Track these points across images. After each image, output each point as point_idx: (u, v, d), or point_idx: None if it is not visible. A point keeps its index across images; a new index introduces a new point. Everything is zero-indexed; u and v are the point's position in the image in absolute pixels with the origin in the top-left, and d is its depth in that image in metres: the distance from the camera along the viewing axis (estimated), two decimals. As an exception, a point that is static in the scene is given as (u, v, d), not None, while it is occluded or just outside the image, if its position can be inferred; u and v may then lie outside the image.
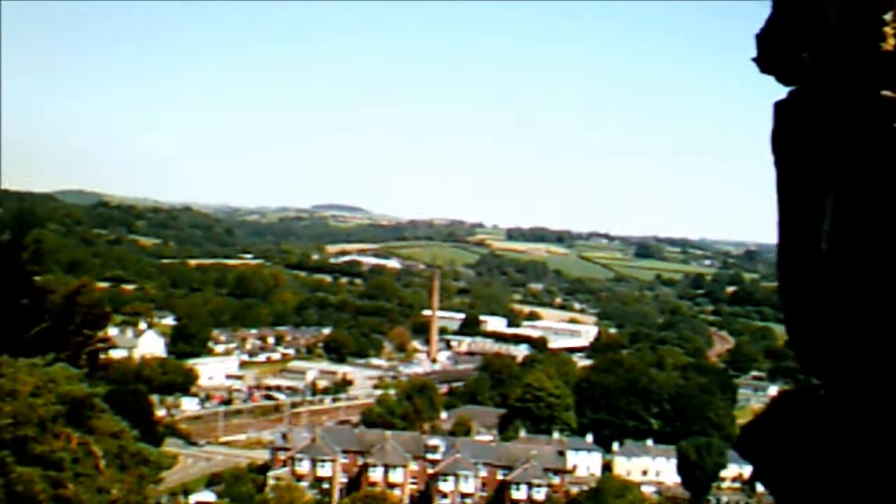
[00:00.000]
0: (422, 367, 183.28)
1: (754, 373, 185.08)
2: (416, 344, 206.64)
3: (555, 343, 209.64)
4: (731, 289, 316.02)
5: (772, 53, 2.60)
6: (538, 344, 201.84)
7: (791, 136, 2.60)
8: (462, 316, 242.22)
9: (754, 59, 2.71)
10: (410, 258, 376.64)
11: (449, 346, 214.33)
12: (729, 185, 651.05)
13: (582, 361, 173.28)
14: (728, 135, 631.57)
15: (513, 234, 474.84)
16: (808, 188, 2.47)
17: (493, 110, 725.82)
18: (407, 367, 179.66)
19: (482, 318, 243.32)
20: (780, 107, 2.71)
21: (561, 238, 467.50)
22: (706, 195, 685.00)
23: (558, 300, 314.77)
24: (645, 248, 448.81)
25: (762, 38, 2.65)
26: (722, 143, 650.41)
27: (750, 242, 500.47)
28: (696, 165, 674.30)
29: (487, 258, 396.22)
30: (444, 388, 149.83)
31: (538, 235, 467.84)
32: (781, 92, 2.77)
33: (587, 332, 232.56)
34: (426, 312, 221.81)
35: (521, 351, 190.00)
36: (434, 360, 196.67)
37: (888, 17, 2.30)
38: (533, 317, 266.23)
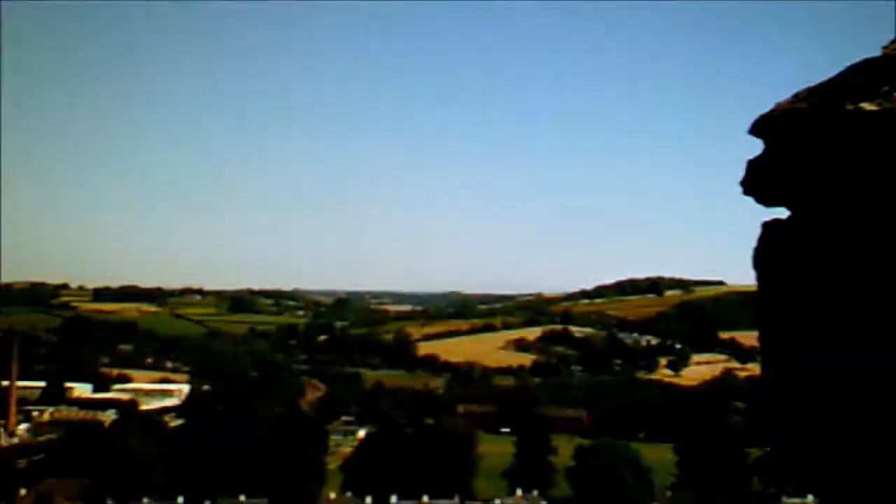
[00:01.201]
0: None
1: (345, 417, 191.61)
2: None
3: (146, 405, 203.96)
4: (322, 337, 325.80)
5: (760, 181, 3.15)
6: (128, 407, 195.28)
7: (782, 255, 3.04)
8: (44, 384, 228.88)
9: (741, 183, 3.31)
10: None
11: (29, 418, 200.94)
12: (321, 237, 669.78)
13: (175, 421, 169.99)
14: (317, 187, 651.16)
15: (101, 294, 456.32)
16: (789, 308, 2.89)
17: (71, 163, 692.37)
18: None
19: (67, 384, 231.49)
20: (769, 226, 3.27)
21: (152, 296, 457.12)
22: (298, 246, 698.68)
23: (149, 360, 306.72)
24: (239, 302, 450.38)
25: (753, 166, 3.23)
26: (320, 195, 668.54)
27: (340, 291, 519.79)
28: (282, 217, 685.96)
29: (73, 321, 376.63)
30: (23, 462, 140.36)
31: (128, 294, 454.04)
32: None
33: (180, 391, 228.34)
34: (4, 383, 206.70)
35: (110, 416, 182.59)
36: (12, 434, 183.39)
37: None
38: (123, 379, 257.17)
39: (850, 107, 2.74)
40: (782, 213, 3.14)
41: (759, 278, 3.09)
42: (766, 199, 3.06)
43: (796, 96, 3.07)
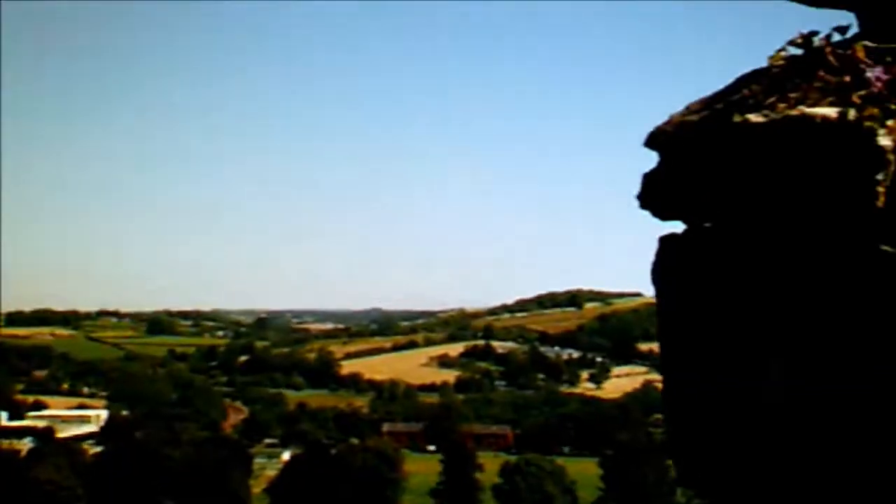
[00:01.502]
0: None
1: (268, 440, 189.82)
2: None
3: (63, 432, 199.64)
4: (243, 358, 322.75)
5: (658, 193, 3.24)
6: (44, 435, 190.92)
7: (679, 270, 3.13)
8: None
9: (638, 196, 3.37)
10: None
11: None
12: (238, 255, 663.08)
13: (94, 448, 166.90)
14: (234, 205, 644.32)
15: (14, 319, 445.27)
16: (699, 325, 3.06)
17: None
18: None
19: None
20: (666, 241, 3.23)
21: (67, 319, 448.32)
22: (217, 266, 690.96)
23: (65, 385, 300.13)
24: (157, 324, 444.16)
25: (648, 179, 3.30)
26: (237, 213, 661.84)
27: (260, 310, 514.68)
28: (199, 235, 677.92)
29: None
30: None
31: (42, 318, 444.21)
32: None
33: (97, 417, 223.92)
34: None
35: (27, 444, 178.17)
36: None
37: None
38: (38, 406, 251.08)
39: (738, 119, 2.78)
40: (679, 227, 3.17)
41: (658, 293, 3.21)
42: (661, 213, 3.18)
43: (688, 108, 3.15)
